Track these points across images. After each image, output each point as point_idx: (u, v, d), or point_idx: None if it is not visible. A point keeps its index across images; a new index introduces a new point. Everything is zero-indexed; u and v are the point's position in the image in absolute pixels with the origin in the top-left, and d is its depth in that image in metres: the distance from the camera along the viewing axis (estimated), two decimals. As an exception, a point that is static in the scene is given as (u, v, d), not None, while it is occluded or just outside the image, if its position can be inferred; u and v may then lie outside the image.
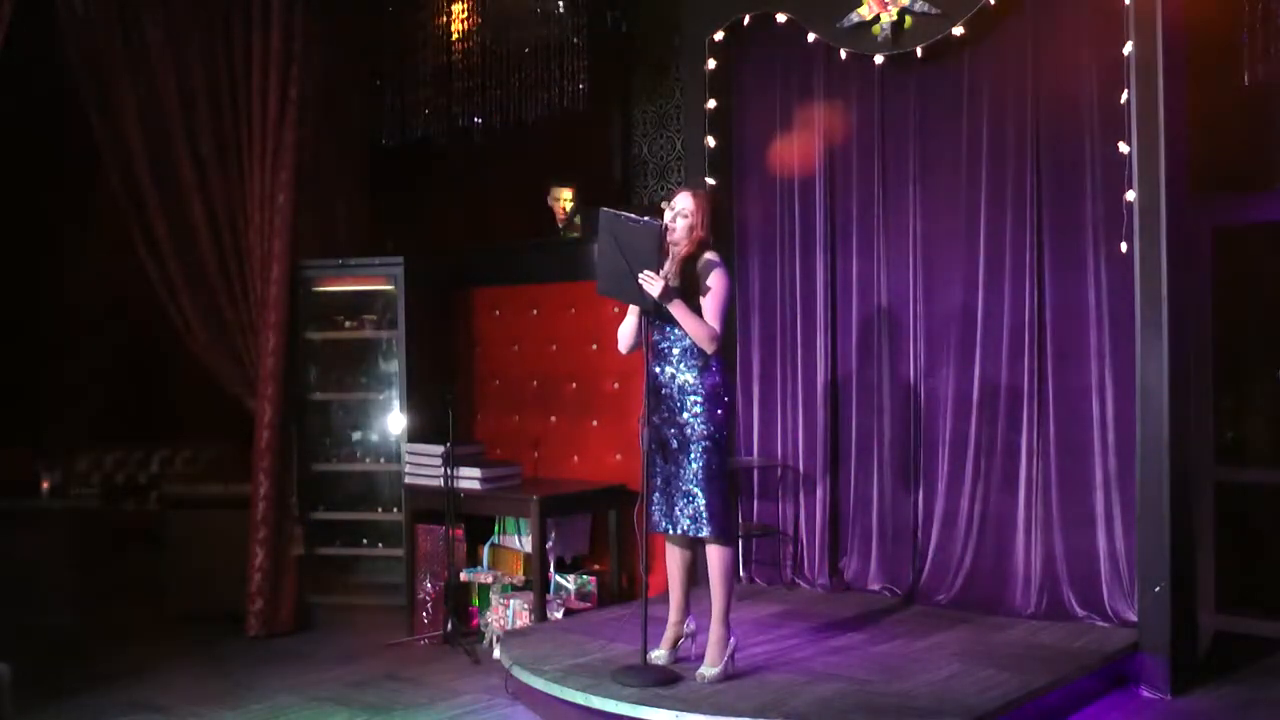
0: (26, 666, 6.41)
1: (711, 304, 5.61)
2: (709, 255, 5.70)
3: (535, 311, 8.51)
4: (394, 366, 8.47)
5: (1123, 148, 6.22)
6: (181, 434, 9.72)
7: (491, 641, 7.35)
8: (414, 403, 8.30)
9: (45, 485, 9.13)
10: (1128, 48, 6.18)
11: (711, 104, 7.72)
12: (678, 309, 5.54)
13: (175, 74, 8.04)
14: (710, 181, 7.60)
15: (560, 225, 8.68)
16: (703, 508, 5.61)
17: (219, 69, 8.17)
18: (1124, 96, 6.20)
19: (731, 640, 5.73)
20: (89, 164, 8.37)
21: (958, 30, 6.81)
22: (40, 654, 7.14)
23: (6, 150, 7.65)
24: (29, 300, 9.43)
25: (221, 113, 8.19)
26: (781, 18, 7.37)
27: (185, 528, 8.51)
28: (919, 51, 6.96)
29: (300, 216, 8.17)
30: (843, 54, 7.25)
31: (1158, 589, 6.14)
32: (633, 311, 5.76)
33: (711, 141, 7.73)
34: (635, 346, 5.81)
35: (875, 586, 7.45)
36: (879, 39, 7.03)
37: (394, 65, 9.02)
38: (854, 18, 7.08)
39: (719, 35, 7.71)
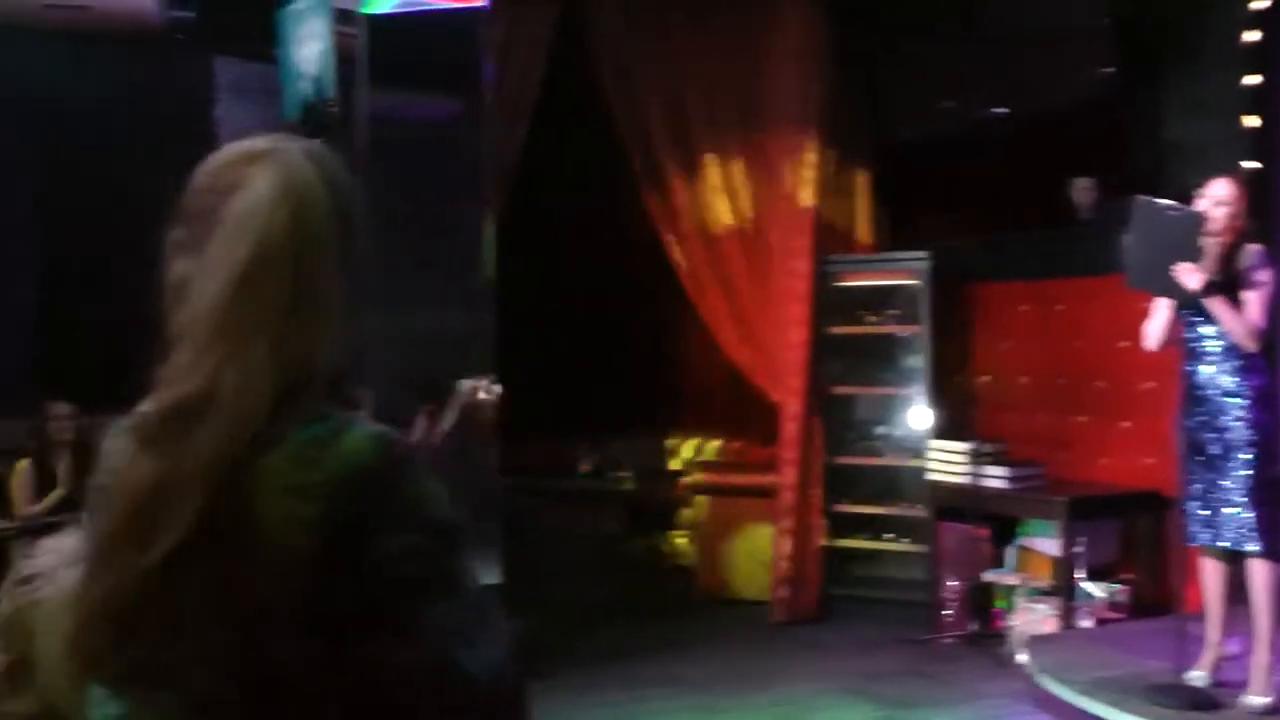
0: (563, 634, 6.88)
1: (1255, 298, 5.23)
2: (1254, 247, 5.32)
3: (1061, 306, 8.22)
4: (916, 361, 8.40)
5: None
6: (712, 424, 10.05)
7: (1015, 645, 7.18)
8: (938, 398, 8.22)
9: (583, 468, 9.65)
10: None
11: (1252, 81, 7.18)
12: (1217, 304, 5.20)
13: (698, 78, 8.33)
14: (1250, 165, 7.06)
15: (1084, 217, 8.35)
16: (1249, 521, 5.21)
17: (741, 71, 8.39)
18: None
19: (1280, 667, 5.31)
20: (619, 170, 8.81)
21: None
22: (575, 624, 7.61)
23: (553, 156, 8.18)
24: (571, 300, 10.03)
25: (745, 113, 8.41)
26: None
27: (712, 513, 8.83)
28: None
29: (821, 212, 8.27)
30: None
31: None
32: (1163, 305, 5.47)
33: (1254, 122, 7.19)
34: (1164, 342, 5.52)
35: None
36: None
37: (910, 60, 8.95)
38: None
39: (1261, 3, 7.14)
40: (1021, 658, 6.57)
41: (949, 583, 7.79)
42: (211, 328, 1.42)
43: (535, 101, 7.67)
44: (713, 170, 8.44)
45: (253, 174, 1.47)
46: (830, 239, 8.47)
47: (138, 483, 1.41)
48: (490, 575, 6.14)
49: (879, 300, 8.67)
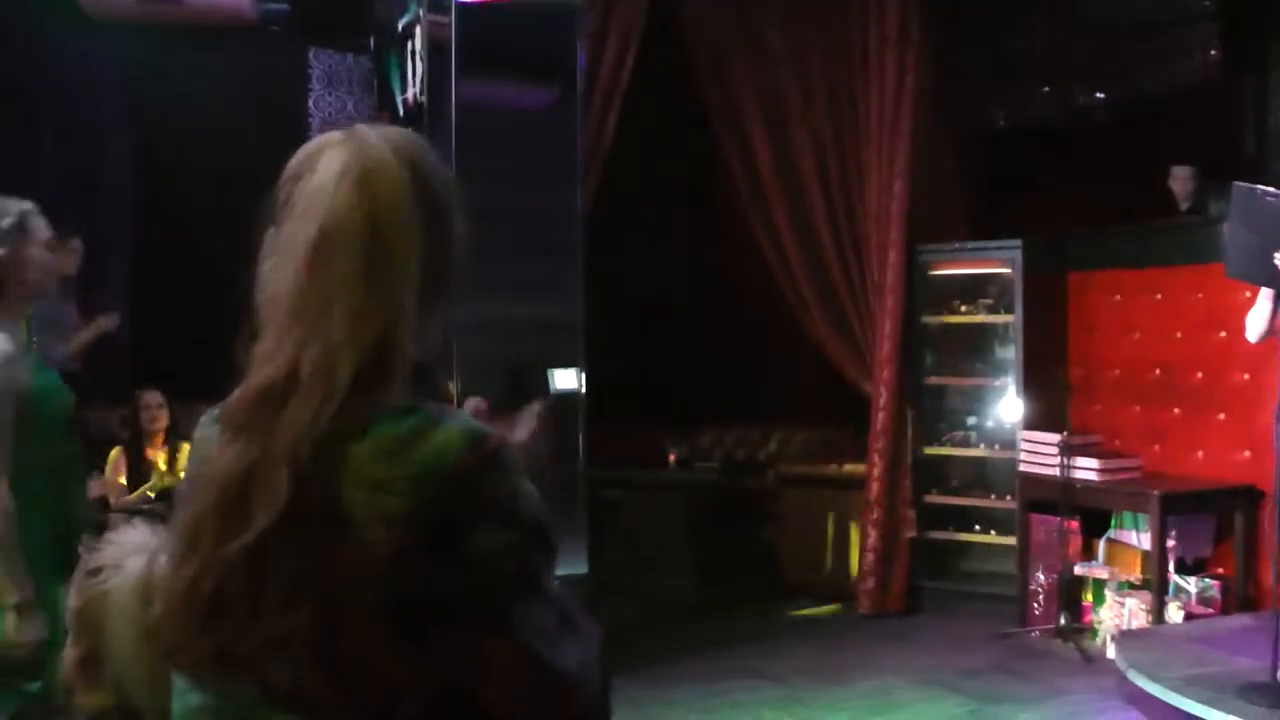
0: (647, 626, 6.90)
1: (1358, 291, 5.12)
2: (1356, 235, 5.20)
3: (1158, 296, 8.08)
4: (1009, 352, 8.32)
5: None
6: (799, 415, 10.03)
7: (1105, 640, 7.09)
8: (1030, 389, 8.11)
9: (672, 459, 9.66)
10: None
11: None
12: (1316, 295, 5.10)
13: (794, 68, 8.31)
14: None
15: (1181, 206, 8.21)
16: (1343, 516, 5.13)
17: (836, 60, 8.36)
18: None
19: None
20: (712, 159, 8.81)
21: None
22: (661, 615, 7.63)
23: (643, 143, 8.19)
24: (662, 291, 10.05)
25: (839, 103, 8.38)
26: None
27: (800, 505, 8.81)
28: None
29: (916, 202, 8.22)
30: None
31: None
32: (1265, 296, 5.38)
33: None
34: (1267, 334, 5.43)
35: None
36: None
37: (1010, 45, 8.86)
38: None
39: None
40: (1110, 653, 6.50)
41: (1038, 576, 7.72)
42: (288, 310, 1.44)
43: (628, 90, 7.67)
44: (807, 161, 8.40)
45: (325, 157, 1.49)
46: (925, 229, 8.38)
47: (226, 469, 1.43)
48: (577, 566, 6.20)
49: (972, 290, 8.59)
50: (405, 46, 6.82)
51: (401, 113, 6.88)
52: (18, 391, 3.29)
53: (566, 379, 6.30)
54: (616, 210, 7.74)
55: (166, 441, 7.10)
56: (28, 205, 3.45)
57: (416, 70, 6.59)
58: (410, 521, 1.36)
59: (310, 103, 8.54)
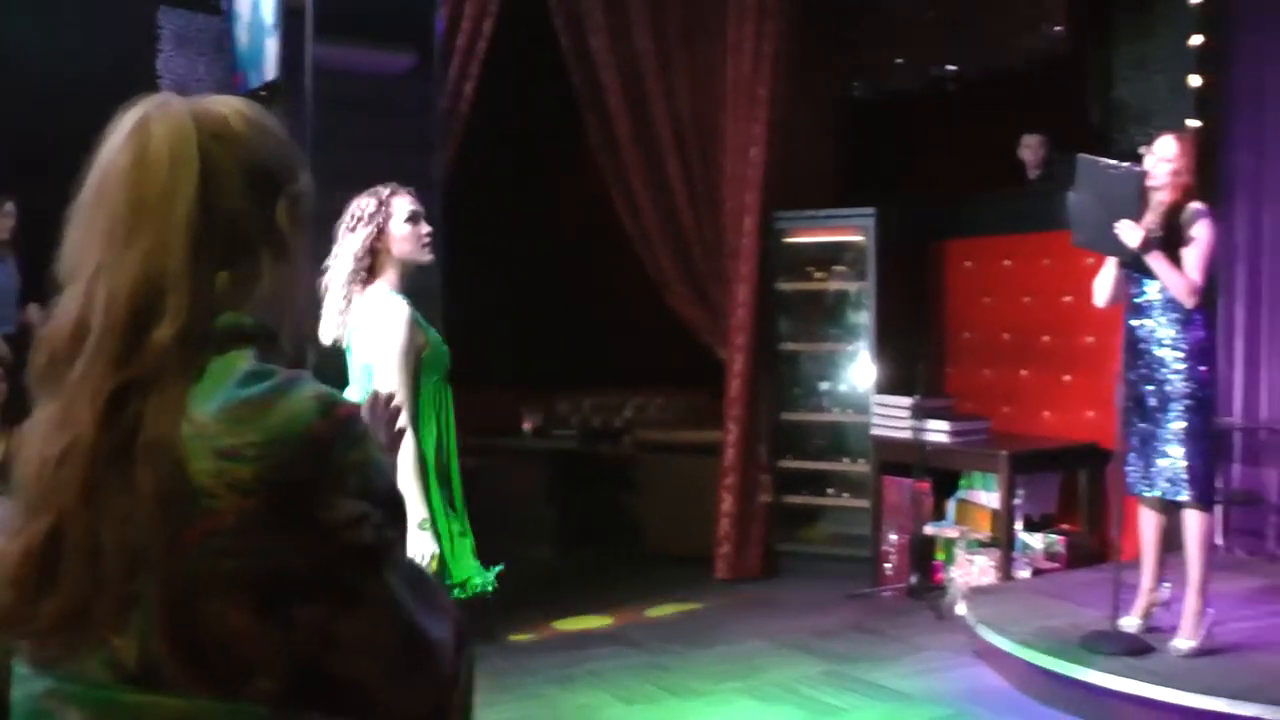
0: (509, 595, 6.85)
1: (1194, 255, 5.28)
2: (1194, 204, 5.36)
3: (1007, 263, 8.28)
4: (863, 318, 8.43)
5: None
6: (657, 382, 10.06)
7: (956, 597, 7.25)
8: (883, 354, 8.25)
9: (527, 425, 9.62)
10: None
11: (1197, 41, 7.24)
12: (1157, 261, 5.25)
13: (653, 33, 8.29)
14: (1195, 125, 7.13)
15: (1031, 174, 8.40)
16: (1182, 470, 5.31)
17: (695, 29, 8.36)
18: None
19: (1209, 613, 5.41)
20: (571, 127, 8.77)
21: None
22: (523, 584, 7.61)
23: (503, 110, 8.13)
24: (517, 250, 9.99)
25: (697, 70, 8.39)
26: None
27: (657, 472, 8.85)
28: None
29: (772, 169, 8.28)
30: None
31: None
32: (1110, 263, 5.52)
33: (1197, 81, 7.25)
34: (1113, 300, 5.57)
35: (1374, 563, 6.86)
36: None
37: (868, 17, 8.96)
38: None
39: (1208, -33, 7.22)
40: (961, 610, 6.65)
41: (891, 537, 7.87)
42: (71, 266, 1.42)
43: (486, 58, 7.59)
44: (665, 129, 8.40)
45: (124, 119, 1.47)
46: (783, 196, 8.45)
47: (36, 425, 1.40)
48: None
49: (828, 257, 8.68)
50: (258, 8, 6.68)
51: (253, 77, 6.74)
52: None
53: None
54: (474, 178, 7.67)
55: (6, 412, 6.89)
56: None
57: (270, 33, 6.47)
58: (260, 490, 1.32)
59: (159, 63, 8.31)
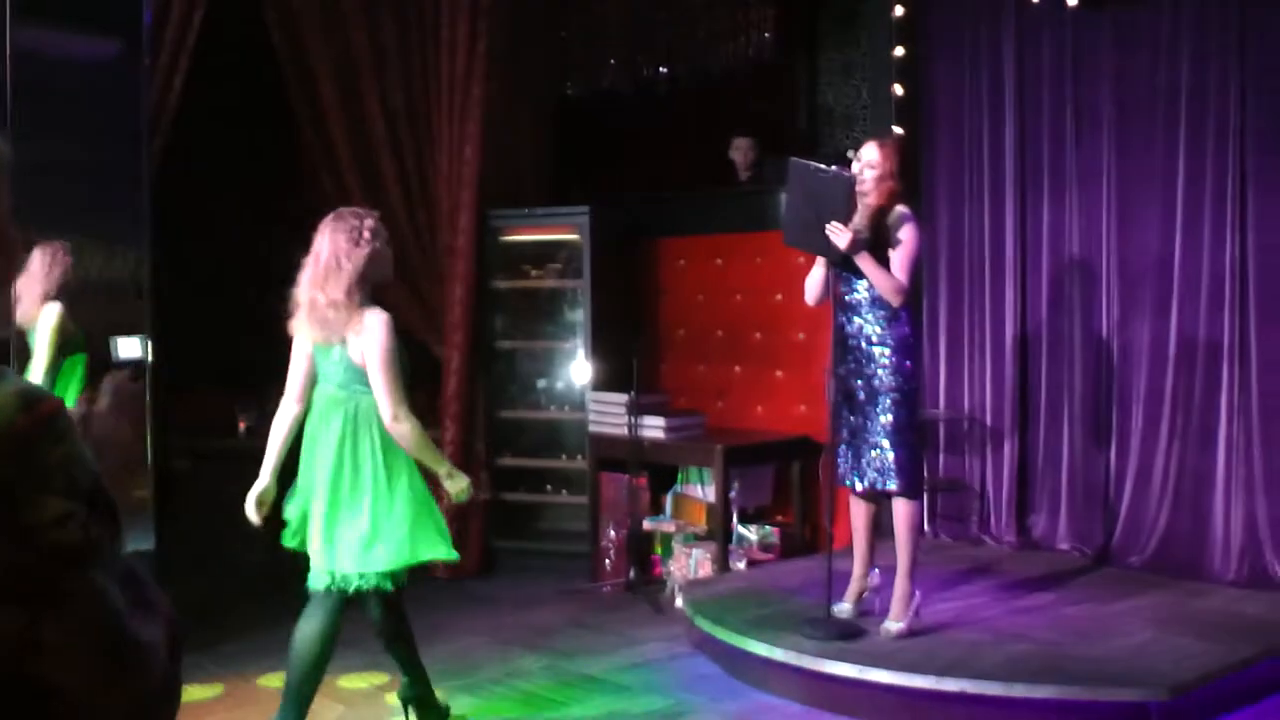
0: (218, 599, 6.65)
1: (901, 257, 5.52)
2: (900, 208, 5.60)
3: (720, 261, 8.48)
4: (579, 315, 8.50)
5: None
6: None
7: (674, 590, 7.38)
8: (599, 351, 8.32)
9: (242, 425, 9.36)
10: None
11: (899, 52, 7.58)
12: (865, 261, 5.46)
13: (367, 31, 8.18)
14: (898, 131, 7.46)
15: (742, 175, 8.62)
16: (890, 461, 5.55)
17: (408, 25, 8.28)
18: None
19: (916, 595, 5.68)
20: (286, 122, 8.57)
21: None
22: (234, 588, 7.39)
23: (212, 104, 7.87)
24: (235, 253, 9.70)
25: (411, 68, 8.31)
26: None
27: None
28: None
29: (487, 168, 8.26)
30: (1036, -2, 7.06)
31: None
32: (820, 263, 5.70)
33: (899, 90, 7.59)
34: (823, 298, 5.75)
35: (1064, 546, 7.30)
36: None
37: (580, 17, 9.03)
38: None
39: (908, -20, 7.56)
40: (679, 602, 6.77)
41: (609, 533, 7.96)
42: None
43: (197, 50, 7.34)
44: (379, 125, 8.28)
45: None
46: (500, 195, 8.44)
47: None
48: (144, 541, 5.93)
49: (544, 255, 8.71)
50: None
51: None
52: None
53: (130, 347, 5.99)
54: (185, 172, 7.41)
55: None
56: None
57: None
58: None
59: None
